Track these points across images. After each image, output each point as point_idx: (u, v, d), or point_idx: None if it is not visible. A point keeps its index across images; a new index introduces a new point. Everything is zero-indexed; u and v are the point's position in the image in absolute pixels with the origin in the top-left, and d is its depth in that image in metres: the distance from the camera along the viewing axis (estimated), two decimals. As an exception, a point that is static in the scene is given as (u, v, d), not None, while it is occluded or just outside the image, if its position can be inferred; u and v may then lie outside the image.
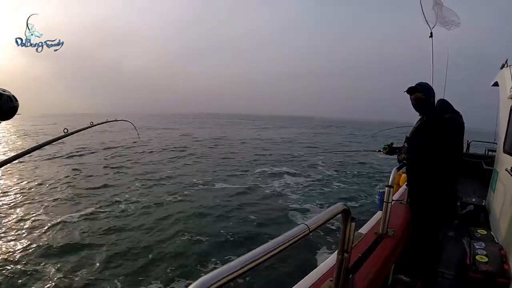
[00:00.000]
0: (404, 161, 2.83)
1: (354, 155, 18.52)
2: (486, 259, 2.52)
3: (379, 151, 3.48)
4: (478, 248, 2.72)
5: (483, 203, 4.34)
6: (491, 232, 3.27)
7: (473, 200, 4.40)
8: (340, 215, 1.37)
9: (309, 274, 1.75)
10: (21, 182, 11.21)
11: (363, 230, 2.51)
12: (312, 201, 9.80)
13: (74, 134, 2.09)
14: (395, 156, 3.04)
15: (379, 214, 2.81)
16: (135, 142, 22.05)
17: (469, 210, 4.23)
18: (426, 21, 4.81)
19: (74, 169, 13.62)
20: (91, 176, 12.59)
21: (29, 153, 1.67)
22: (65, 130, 1.92)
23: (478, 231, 3.26)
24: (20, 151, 1.65)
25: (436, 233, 2.87)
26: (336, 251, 1.93)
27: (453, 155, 2.61)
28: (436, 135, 2.55)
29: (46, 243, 6.26)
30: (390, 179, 2.52)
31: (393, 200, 2.45)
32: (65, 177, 12.14)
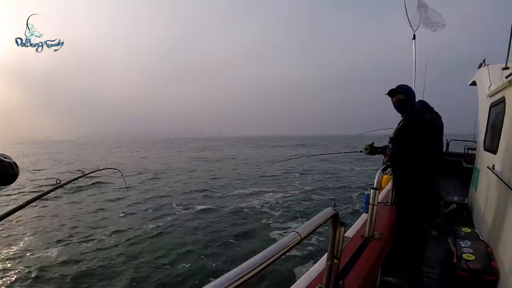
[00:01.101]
0: (388, 163, 2.83)
1: (327, 164, 18.72)
2: (473, 257, 2.52)
3: (361, 151, 3.47)
4: (464, 247, 2.73)
5: (466, 201, 4.40)
6: (475, 229, 3.30)
7: (455, 198, 4.46)
8: (329, 220, 1.31)
9: (297, 281, 1.68)
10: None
11: (349, 233, 2.46)
12: (292, 215, 9.79)
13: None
14: (373, 159, 3.04)
15: (364, 217, 2.79)
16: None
17: (452, 209, 4.28)
18: (410, 23, 4.87)
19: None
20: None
21: (23, 207, 1.63)
22: (57, 181, 1.99)
23: (462, 229, 3.28)
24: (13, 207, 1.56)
25: (420, 233, 2.88)
26: (324, 256, 1.87)
27: (432, 154, 2.63)
28: (416, 135, 2.57)
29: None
30: (375, 181, 2.49)
31: (378, 202, 2.41)
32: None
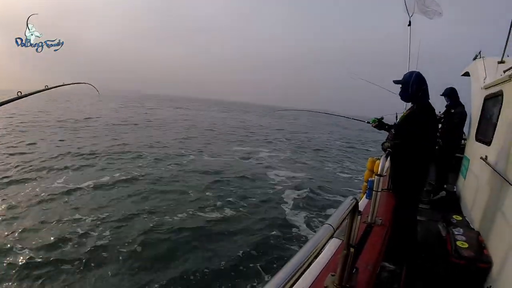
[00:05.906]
0: (388, 149, 2.84)
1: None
2: (467, 245, 2.59)
3: (368, 122, 3.49)
4: (457, 234, 2.80)
5: (454, 189, 4.53)
6: (466, 218, 3.40)
7: (445, 186, 4.58)
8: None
9: (308, 270, 1.66)
10: None
11: None
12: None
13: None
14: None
15: (363, 203, 2.81)
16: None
17: (441, 196, 4.40)
18: (406, 9, 4.79)
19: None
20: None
21: None
22: (19, 93, 1.92)
23: (454, 216, 3.36)
24: None
25: (414, 219, 2.95)
26: (329, 242, 1.87)
27: (429, 145, 2.71)
28: (416, 124, 2.61)
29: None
30: (380, 168, 2.49)
31: (382, 189, 2.43)
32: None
